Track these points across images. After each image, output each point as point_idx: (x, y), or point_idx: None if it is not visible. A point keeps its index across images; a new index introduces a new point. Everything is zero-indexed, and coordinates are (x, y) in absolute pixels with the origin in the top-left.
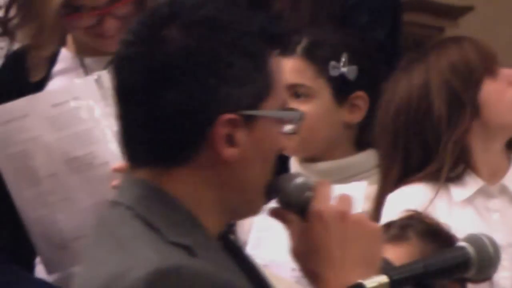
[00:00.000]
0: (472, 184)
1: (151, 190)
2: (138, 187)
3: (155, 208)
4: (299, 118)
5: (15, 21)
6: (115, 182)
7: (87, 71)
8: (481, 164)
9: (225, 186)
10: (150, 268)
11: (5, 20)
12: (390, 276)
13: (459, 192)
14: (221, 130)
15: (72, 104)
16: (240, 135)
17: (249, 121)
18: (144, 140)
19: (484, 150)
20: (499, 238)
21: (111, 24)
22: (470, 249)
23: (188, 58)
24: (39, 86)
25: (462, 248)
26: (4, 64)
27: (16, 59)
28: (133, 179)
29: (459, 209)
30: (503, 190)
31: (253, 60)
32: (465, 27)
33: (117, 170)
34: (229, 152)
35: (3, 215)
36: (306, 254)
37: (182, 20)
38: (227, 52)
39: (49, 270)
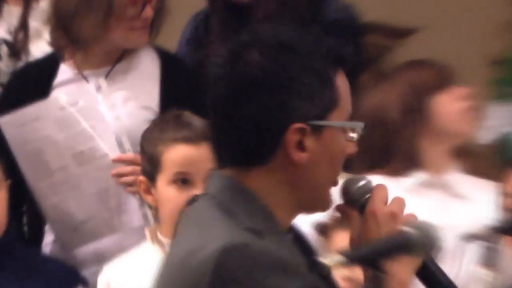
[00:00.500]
0: (418, 177)
1: (233, 184)
2: (223, 181)
3: (235, 198)
4: (362, 127)
5: (21, 43)
6: (114, 171)
7: (87, 80)
8: (428, 162)
9: (296, 185)
10: (221, 244)
11: (14, 43)
12: (345, 256)
13: (408, 182)
14: (292, 137)
15: (75, 107)
16: (309, 142)
17: (317, 129)
18: (229, 145)
19: (432, 151)
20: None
21: (149, 13)
22: (414, 233)
23: (265, 78)
24: (43, 95)
25: (407, 232)
26: (11, 79)
27: (22, 75)
28: (220, 175)
29: (407, 197)
30: (444, 185)
31: (321, 78)
32: (411, 46)
33: (115, 161)
34: (299, 156)
35: (23, 205)
36: (360, 243)
37: (260, 45)
38: (298, 72)
39: (64, 249)
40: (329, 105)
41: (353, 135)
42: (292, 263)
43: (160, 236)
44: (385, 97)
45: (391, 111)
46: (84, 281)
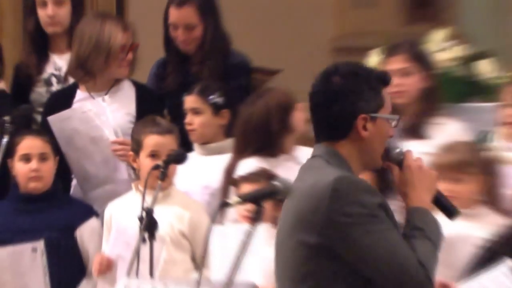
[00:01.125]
0: (283, 157)
1: (329, 150)
2: (323, 148)
3: (331, 157)
4: (398, 119)
5: (64, 76)
6: (112, 148)
7: (94, 98)
8: (287, 148)
9: (362, 151)
10: (334, 176)
11: (59, 76)
12: (240, 198)
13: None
14: (360, 122)
15: (91, 112)
16: (369, 125)
17: (373, 119)
18: (325, 128)
19: (290, 142)
20: None
21: (130, 57)
22: (277, 185)
23: (344, 90)
24: (68, 107)
25: (274, 184)
26: (51, 97)
27: (57, 94)
28: (320, 145)
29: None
30: (294, 159)
31: (375, 91)
32: (276, 80)
33: (113, 142)
34: (364, 133)
35: (62, 167)
36: (402, 185)
37: (340, 72)
38: (362, 87)
39: (82, 192)
40: (379, 105)
41: (393, 123)
42: (372, 188)
43: (140, 187)
44: (259, 107)
45: (264, 116)
46: (96, 213)
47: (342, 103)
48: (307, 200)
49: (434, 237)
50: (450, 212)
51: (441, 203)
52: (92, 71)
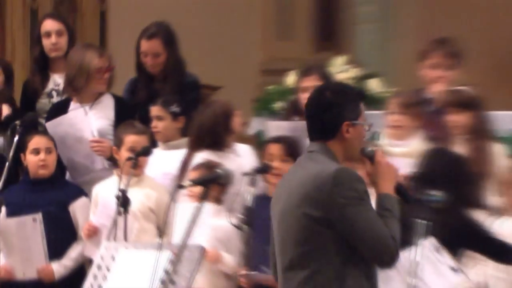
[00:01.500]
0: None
1: (323, 147)
2: (318, 146)
3: (325, 152)
4: (370, 125)
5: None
6: (91, 145)
7: (84, 108)
8: (230, 143)
9: (346, 148)
10: (335, 168)
11: (58, 91)
12: (191, 181)
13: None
14: (344, 127)
15: (77, 118)
16: (351, 129)
17: (354, 124)
18: (318, 130)
19: (232, 140)
20: None
21: (107, 76)
22: (221, 172)
23: (333, 102)
24: (65, 113)
25: (218, 171)
26: (52, 107)
27: (56, 105)
28: (314, 143)
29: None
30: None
31: (355, 104)
32: (219, 94)
33: (91, 141)
34: (347, 135)
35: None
36: (373, 176)
37: (330, 89)
38: (346, 101)
39: (72, 177)
40: (358, 114)
41: (367, 127)
42: (361, 177)
43: (119, 173)
44: (208, 114)
45: (212, 121)
46: (85, 193)
47: (331, 112)
48: (313, 184)
49: (398, 216)
50: (407, 198)
51: (401, 191)
52: (77, 88)
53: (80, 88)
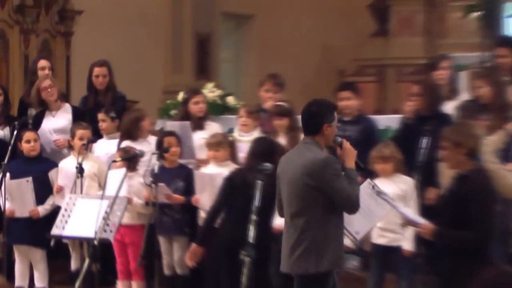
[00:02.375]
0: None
1: (313, 140)
2: (310, 139)
3: (315, 144)
4: (339, 126)
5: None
6: (54, 140)
7: (53, 115)
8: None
9: (326, 140)
10: (325, 156)
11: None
12: (120, 157)
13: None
14: (325, 127)
15: (43, 130)
16: (328, 129)
17: (330, 126)
18: (308, 129)
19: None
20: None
21: (54, 92)
22: (137, 152)
23: (318, 112)
24: (40, 123)
25: (136, 152)
26: (34, 116)
27: (38, 114)
28: (306, 137)
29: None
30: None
31: (331, 112)
32: (137, 105)
33: (55, 139)
34: (326, 132)
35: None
36: (342, 156)
37: (315, 104)
38: (326, 111)
39: (48, 156)
40: (332, 119)
41: (336, 127)
42: (339, 160)
43: (75, 154)
44: (131, 117)
45: (133, 121)
46: (57, 165)
47: (317, 118)
48: (311, 164)
49: (357, 181)
50: (359, 168)
51: (357, 165)
52: (34, 103)
53: (35, 103)
